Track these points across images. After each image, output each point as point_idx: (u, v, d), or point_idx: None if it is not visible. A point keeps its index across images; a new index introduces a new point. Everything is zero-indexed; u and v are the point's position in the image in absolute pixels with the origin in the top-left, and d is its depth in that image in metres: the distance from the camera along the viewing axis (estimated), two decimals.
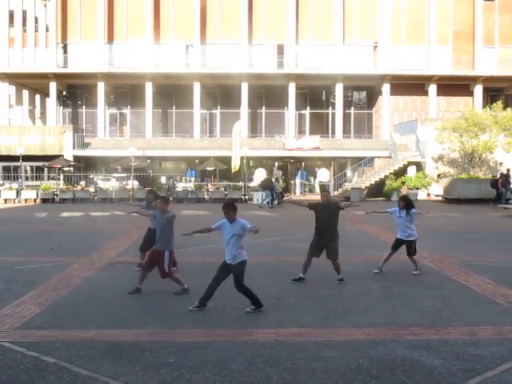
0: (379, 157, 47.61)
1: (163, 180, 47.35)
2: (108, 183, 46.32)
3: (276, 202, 37.89)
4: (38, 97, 60.73)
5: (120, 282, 12.32)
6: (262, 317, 9.34)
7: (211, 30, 54.46)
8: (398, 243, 13.48)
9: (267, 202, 37.62)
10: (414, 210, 13.32)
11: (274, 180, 41.14)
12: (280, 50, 54.75)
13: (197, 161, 50.29)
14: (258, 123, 56.69)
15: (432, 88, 54.06)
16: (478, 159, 43.20)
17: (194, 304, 9.70)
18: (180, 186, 44.33)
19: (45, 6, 55.34)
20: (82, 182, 45.25)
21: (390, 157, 46.84)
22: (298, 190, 51.37)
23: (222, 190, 43.47)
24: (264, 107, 56.62)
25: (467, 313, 9.68)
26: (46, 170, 47.33)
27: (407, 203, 13.36)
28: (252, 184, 45.20)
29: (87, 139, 51.43)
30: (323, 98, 57.88)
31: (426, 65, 54.12)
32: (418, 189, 42.82)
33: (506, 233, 22.47)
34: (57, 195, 41.97)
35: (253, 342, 7.95)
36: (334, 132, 54.75)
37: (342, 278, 12.23)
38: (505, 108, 44.75)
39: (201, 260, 14.94)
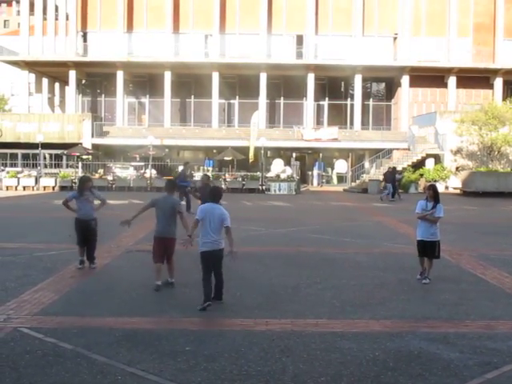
0: (397, 149, 47.48)
1: (180, 169, 47.38)
2: (126, 172, 46.48)
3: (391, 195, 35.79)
4: (57, 85, 60.98)
5: (137, 270, 12.39)
6: (279, 307, 9.33)
7: (230, 20, 54.40)
8: (421, 246, 11.45)
9: (387, 195, 35.58)
10: (441, 206, 11.34)
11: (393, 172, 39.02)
12: (299, 40, 54.60)
13: (215, 150, 50.37)
14: (276, 114, 56.62)
15: (451, 80, 53.68)
16: (496, 152, 42.94)
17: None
18: (198, 176, 44.32)
19: None
20: (100, 170, 45.43)
21: (409, 149, 46.65)
22: (315, 181, 51.29)
23: (240, 179, 43.43)
24: (282, 98, 56.54)
25: (485, 306, 9.62)
26: (64, 157, 47.58)
27: (436, 194, 11.41)
28: (269, 174, 45.13)
29: (106, 128, 51.64)
30: (342, 89, 57.68)
31: (446, 57, 53.75)
32: (436, 181, 42.58)
33: None
34: (75, 183, 42.14)
35: (269, 332, 7.95)
36: (352, 123, 54.57)
37: None
38: None
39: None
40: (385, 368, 6.64)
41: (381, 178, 44.17)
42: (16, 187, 42.36)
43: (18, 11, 76.52)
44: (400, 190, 37.94)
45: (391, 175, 36.63)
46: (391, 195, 35.67)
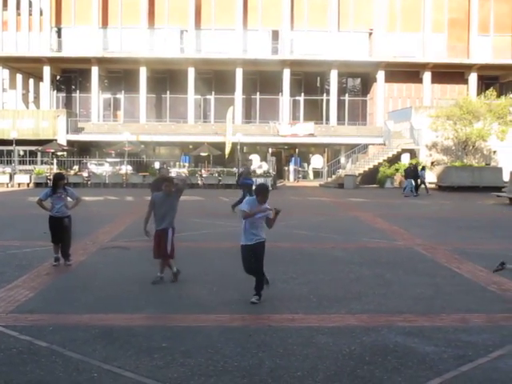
0: (373, 144, 47.65)
1: (157, 165, 47.24)
2: (101, 168, 46.23)
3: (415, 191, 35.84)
4: (31, 81, 60.42)
5: (113, 267, 12.32)
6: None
7: (206, 16, 54.20)
8: None
9: (411, 190, 35.40)
10: None
11: (419, 168, 38.28)
12: (275, 35, 54.55)
13: (191, 146, 50.20)
14: (253, 109, 56.59)
15: (427, 75, 54.00)
16: (471, 147, 43.23)
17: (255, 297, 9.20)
18: (174, 172, 44.19)
19: None
20: (76, 167, 45.10)
21: (384, 144, 46.86)
22: (291, 177, 51.38)
23: (216, 175, 43.37)
24: (258, 93, 56.51)
25: (460, 300, 9.70)
26: (39, 154, 47.19)
27: None
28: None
29: (81, 124, 51.31)
30: (318, 85, 57.77)
31: (421, 52, 54.02)
32: None
33: (498, 220, 22.55)
34: (50, 180, 41.79)
35: (246, 328, 7.97)
36: (328, 119, 54.70)
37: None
38: (499, 96, 44.73)
39: (194, 245, 14.91)
40: (361, 362, 6.67)
41: (357, 172, 44.44)
42: None
43: None
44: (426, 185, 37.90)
45: (412, 172, 36.77)
46: (415, 190, 35.72)
